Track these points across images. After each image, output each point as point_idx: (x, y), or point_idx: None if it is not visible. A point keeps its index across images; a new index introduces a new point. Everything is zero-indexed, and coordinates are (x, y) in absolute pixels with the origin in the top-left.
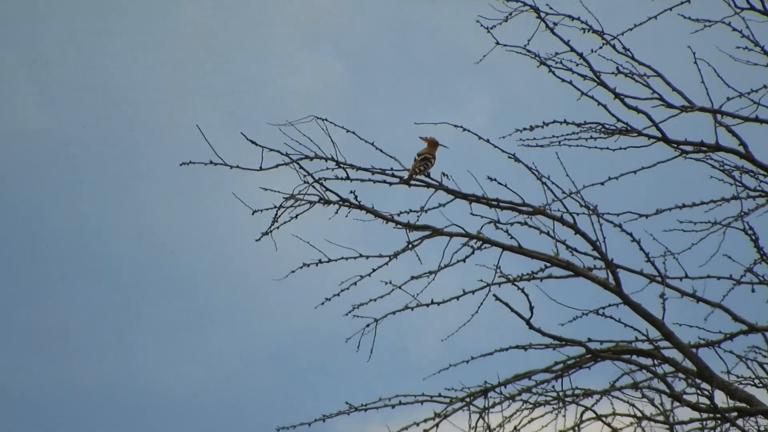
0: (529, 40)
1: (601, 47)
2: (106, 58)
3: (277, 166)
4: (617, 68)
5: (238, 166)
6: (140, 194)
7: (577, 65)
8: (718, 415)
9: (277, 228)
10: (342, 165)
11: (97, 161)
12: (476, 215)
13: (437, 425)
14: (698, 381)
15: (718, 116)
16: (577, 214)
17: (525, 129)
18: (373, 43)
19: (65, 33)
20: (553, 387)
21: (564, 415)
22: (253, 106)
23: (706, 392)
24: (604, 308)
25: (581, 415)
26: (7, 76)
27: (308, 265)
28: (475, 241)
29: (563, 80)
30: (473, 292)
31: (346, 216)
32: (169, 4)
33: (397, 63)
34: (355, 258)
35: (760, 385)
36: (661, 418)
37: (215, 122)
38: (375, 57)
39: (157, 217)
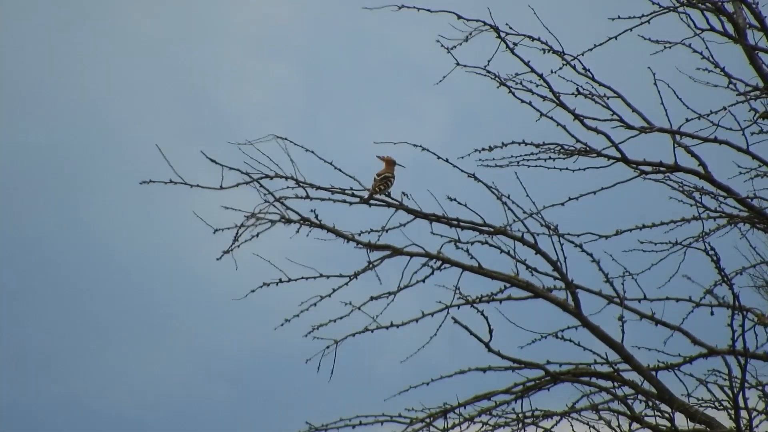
0: (489, 61)
1: (561, 68)
2: (66, 73)
3: (237, 185)
4: (577, 89)
5: (198, 185)
6: (100, 211)
7: (537, 86)
8: None
9: (238, 247)
10: (302, 184)
11: (56, 179)
12: (436, 234)
13: None
14: (658, 403)
15: (678, 137)
16: (538, 234)
17: (484, 149)
18: (328, 56)
19: (22, 43)
20: (513, 408)
21: None
22: (208, 120)
23: (666, 414)
24: (563, 331)
25: None
26: None
27: (268, 285)
28: (435, 261)
29: (523, 101)
30: (432, 314)
31: (307, 235)
32: (123, 20)
33: (352, 76)
34: (315, 278)
35: (720, 407)
36: None
37: (174, 139)
38: (330, 70)
39: (117, 234)
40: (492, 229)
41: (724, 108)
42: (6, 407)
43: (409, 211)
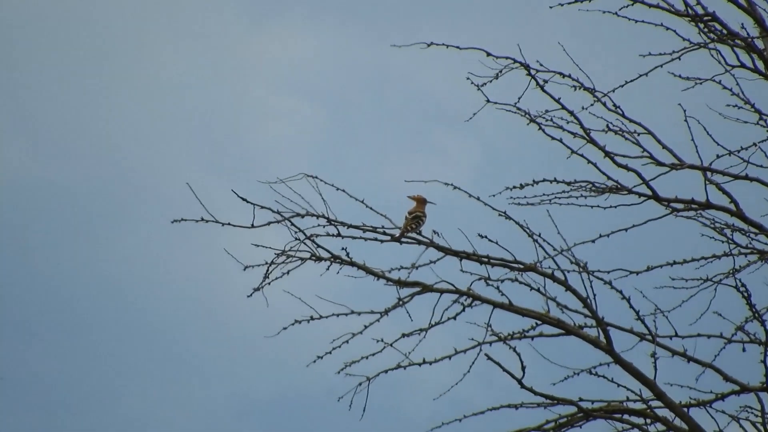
0: (519, 98)
1: (591, 104)
2: (95, 112)
3: (269, 223)
4: (607, 126)
5: (229, 224)
6: (132, 250)
7: (568, 123)
8: None
9: (269, 284)
10: (333, 222)
11: (88, 217)
12: (467, 272)
13: None
14: None
15: (708, 174)
16: (568, 272)
17: (515, 187)
18: (353, 95)
19: (51, 82)
20: None
21: None
22: (236, 159)
23: None
24: (595, 367)
25: None
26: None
27: (300, 322)
28: (465, 297)
29: (553, 138)
30: (465, 351)
31: (338, 272)
32: (150, 60)
33: (377, 115)
34: (346, 314)
35: None
36: None
37: (203, 177)
38: (355, 108)
39: (150, 273)
40: (522, 266)
41: (755, 144)
42: None
43: (439, 248)
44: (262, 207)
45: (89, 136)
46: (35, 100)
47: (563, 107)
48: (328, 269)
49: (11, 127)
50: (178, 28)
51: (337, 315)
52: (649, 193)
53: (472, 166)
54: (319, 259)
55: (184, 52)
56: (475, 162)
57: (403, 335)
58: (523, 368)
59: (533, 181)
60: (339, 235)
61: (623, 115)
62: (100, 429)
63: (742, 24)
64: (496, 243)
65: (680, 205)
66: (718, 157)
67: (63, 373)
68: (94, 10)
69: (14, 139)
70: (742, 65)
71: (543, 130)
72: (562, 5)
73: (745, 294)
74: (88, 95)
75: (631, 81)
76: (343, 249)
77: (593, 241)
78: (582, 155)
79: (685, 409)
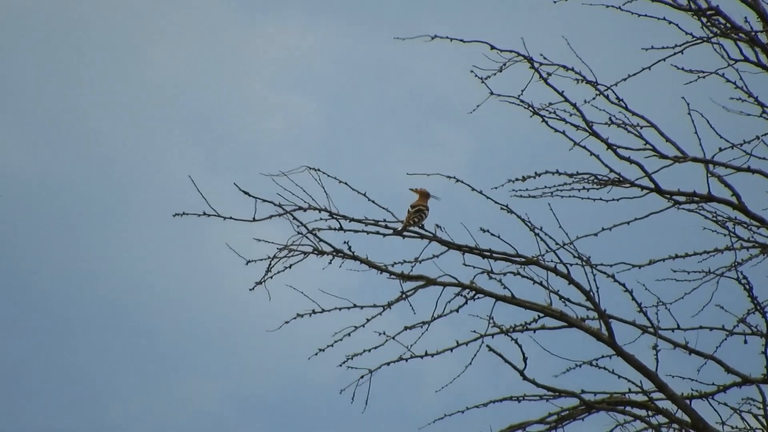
0: (522, 91)
1: (594, 98)
2: (94, 107)
3: (270, 217)
4: (610, 119)
5: (231, 217)
6: (133, 244)
7: (570, 115)
8: None
9: (271, 278)
10: (335, 216)
11: (89, 210)
12: (469, 265)
13: None
14: None
15: (711, 167)
16: (571, 265)
17: (517, 179)
18: (351, 88)
19: (48, 77)
20: None
21: None
22: (236, 154)
23: None
24: (597, 359)
25: None
26: None
27: (302, 316)
28: (468, 291)
29: (556, 130)
30: (467, 343)
31: (340, 266)
32: (148, 56)
33: (375, 108)
34: (348, 308)
35: None
36: None
37: (203, 172)
38: (353, 102)
39: (150, 267)
40: (524, 260)
41: (758, 137)
42: None
43: (442, 242)
44: (264, 200)
45: (86, 131)
46: (29, 95)
47: (566, 100)
48: (330, 263)
49: (1, 121)
50: (177, 23)
51: (340, 309)
52: (652, 185)
53: (474, 159)
54: (322, 253)
55: (183, 47)
56: (476, 155)
57: (406, 328)
58: (525, 360)
59: (535, 173)
60: (341, 228)
61: (626, 108)
62: (98, 425)
63: (746, 18)
64: (498, 237)
65: (682, 198)
66: (720, 150)
67: (59, 369)
68: (89, 3)
69: (5, 134)
70: (746, 59)
71: (546, 122)
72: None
73: (747, 287)
74: (86, 90)
75: (634, 74)
76: (345, 243)
77: (596, 235)
78: (585, 147)
79: (687, 401)
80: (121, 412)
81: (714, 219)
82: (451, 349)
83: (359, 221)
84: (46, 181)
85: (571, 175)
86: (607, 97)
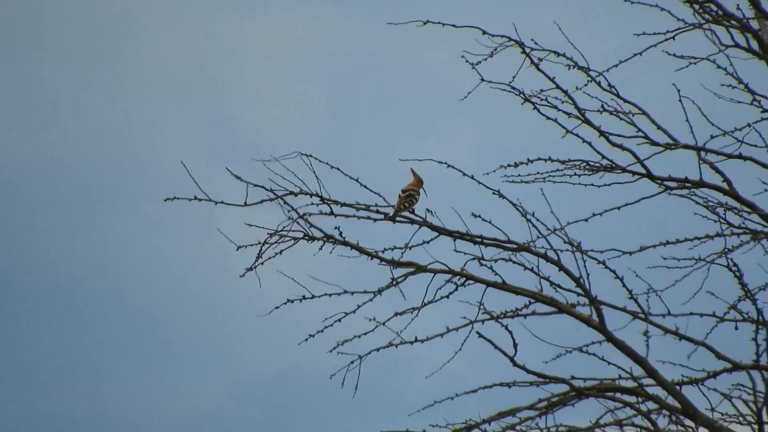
0: (514, 77)
1: (586, 84)
2: (91, 93)
3: (261, 201)
4: (602, 106)
5: (222, 202)
6: (124, 228)
7: (562, 102)
8: None
9: (262, 264)
10: (326, 201)
11: (79, 196)
12: (460, 252)
13: None
14: (682, 418)
15: (702, 153)
16: (562, 251)
17: (509, 165)
18: (352, 75)
19: (45, 65)
20: (537, 424)
21: None
22: (235, 139)
23: (690, 429)
24: (587, 345)
25: None
26: None
27: (292, 301)
28: (458, 277)
29: (548, 117)
30: (457, 329)
31: (331, 252)
32: (148, 41)
33: (376, 95)
34: (339, 294)
35: (745, 422)
36: None
37: (198, 157)
38: (355, 89)
39: (142, 251)
40: (515, 246)
41: (749, 125)
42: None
43: (432, 228)
44: (255, 185)
45: (82, 118)
46: (30, 84)
47: (558, 86)
48: (321, 249)
49: (4, 110)
50: (174, 9)
51: (330, 295)
52: (643, 171)
53: (467, 145)
54: (312, 238)
55: (180, 33)
56: (470, 142)
57: (396, 314)
58: (515, 346)
59: (528, 159)
60: (332, 213)
61: (618, 95)
62: (92, 412)
63: (738, 5)
64: (490, 222)
65: (673, 184)
66: (712, 137)
67: (56, 352)
68: None
69: (7, 122)
70: (737, 45)
71: (538, 110)
72: None
73: (738, 274)
74: (82, 77)
75: (626, 60)
76: (336, 228)
77: (586, 220)
78: (577, 135)
79: (678, 387)
80: (111, 397)
81: (705, 205)
82: (442, 335)
83: (350, 206)
84: (38, 167)
85: (563, 162)
86: (599, 83)
